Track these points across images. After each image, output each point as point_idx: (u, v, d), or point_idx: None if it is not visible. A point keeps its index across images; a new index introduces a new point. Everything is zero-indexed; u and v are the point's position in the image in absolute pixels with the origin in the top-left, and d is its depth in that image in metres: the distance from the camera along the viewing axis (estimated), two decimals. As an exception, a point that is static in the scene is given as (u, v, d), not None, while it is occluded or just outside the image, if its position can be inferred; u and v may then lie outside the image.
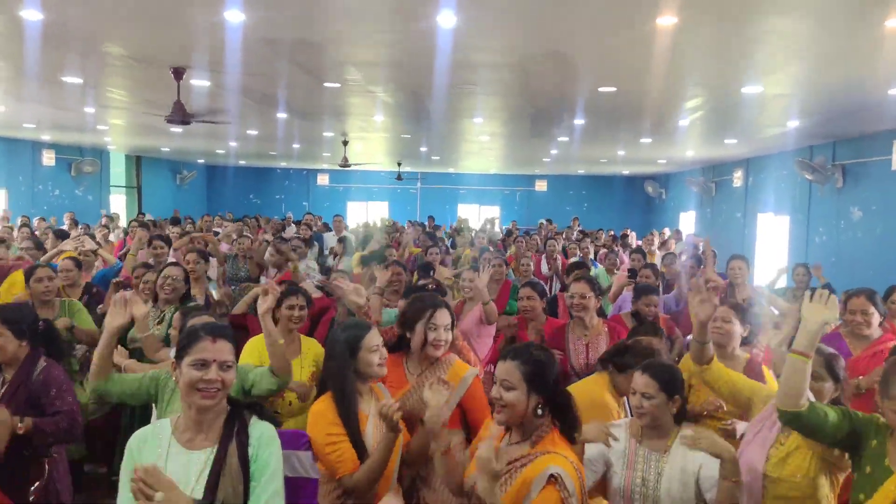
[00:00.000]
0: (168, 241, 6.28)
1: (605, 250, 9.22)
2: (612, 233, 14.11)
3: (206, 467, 1.84)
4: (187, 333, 1.99)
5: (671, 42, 5.04)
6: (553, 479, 1.91)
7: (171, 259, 5.66)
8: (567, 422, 2.06)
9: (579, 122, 9.32)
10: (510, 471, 1.98)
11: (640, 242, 11.85)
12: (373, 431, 2.41)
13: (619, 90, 6.89)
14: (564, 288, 7.84)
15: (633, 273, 6.12)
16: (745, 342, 3.32)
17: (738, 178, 14.36)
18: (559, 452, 1.97)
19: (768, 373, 3.12)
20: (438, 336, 2.75)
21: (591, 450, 2.45)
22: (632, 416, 2.58)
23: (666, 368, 2.50)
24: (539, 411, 2.03)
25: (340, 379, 2.43)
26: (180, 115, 6.54)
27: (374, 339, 2.48)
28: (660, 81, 6.52)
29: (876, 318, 3.72)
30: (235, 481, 1.84)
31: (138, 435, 1.95)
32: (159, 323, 4.00)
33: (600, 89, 6.88)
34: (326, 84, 7.09)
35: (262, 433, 1.91)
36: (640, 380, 2.45)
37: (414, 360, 2.84)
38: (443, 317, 2.77)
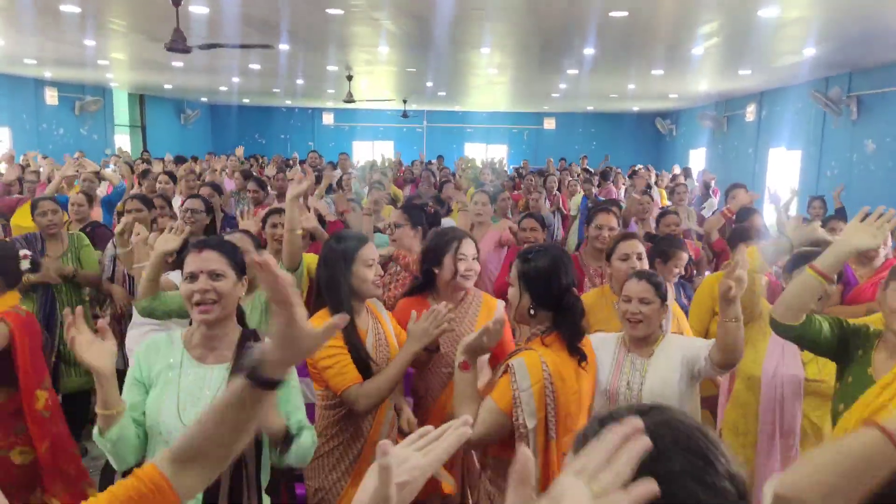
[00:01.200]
0: (174, 178, 6.27)
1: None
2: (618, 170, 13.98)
3: (223, 384, 1.83)
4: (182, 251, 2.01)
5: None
6: (508, 369, 1.97)
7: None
8: (566, 328, 2.07)
9: (589, 51, 9.08)
10: (501, 365, 2.07)
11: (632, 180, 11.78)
12: (372, 349, 2.37)
13: (630, 14, 6.68)
14: (566, 221, 7.91)
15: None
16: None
17: (750, 112, 14.08)
18: (535, 349, 2.01)
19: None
20: (469, 266, 2.67)
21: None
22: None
23: (655, 276, 2.53)
24: (531, 311, 2.08)
25: (336, 288, 2.33)
26: (180, 43, 6.39)
27: (370, 252, 2.38)
28: (674, 4, 6.30)
29: (882, 249, 3.70)
30: None
31: (148, 343, 1.94)
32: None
33: (611, 14, 6.67)
34: (329, 10, 6.91)
35: None
36: (636, 286, 2.46)
37: (440, 298, 2.68)
38: (469, 247, 2.69)
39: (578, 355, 2.07)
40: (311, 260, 3.69)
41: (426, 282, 2.74)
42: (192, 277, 1.86)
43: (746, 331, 2.42)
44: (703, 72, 11.32)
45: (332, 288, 2.35)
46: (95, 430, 1.75)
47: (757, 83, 12.45)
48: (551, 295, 2.08)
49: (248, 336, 1.94)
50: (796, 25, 7.28)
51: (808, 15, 6.81)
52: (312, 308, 2.39)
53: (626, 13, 6.64)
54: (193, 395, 1.83)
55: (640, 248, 3.04)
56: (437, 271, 2.68)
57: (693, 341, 2.48)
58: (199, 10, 6.80)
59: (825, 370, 2.52)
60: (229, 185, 8.27)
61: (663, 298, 2.46)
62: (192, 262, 1.88)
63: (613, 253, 3.06)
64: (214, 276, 1.85)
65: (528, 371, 1.96)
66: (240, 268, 1.94)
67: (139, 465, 1.36)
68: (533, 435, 1.97)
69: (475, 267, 2.69)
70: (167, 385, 1.84)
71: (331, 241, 2.44)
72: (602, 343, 2.53)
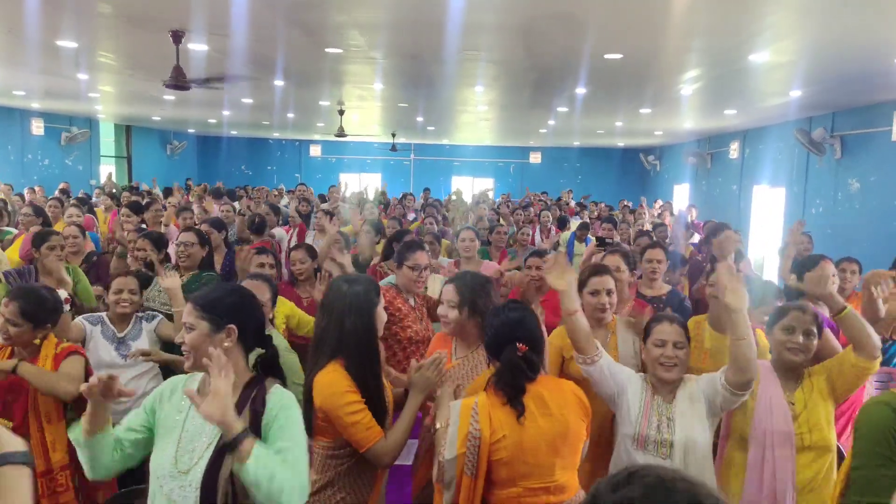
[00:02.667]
0: (138, 210, 6.24)
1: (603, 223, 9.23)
2: (604, 205, 14.15)
3: (218, 435, 1.79)
4: None
5: (682, 4, 4.98)
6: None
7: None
8: (501, 383, 2.23)
9: (581, 90, 9.24)
10: None
11: (616, 212, 11.96)
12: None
13: (625, 57, 6.82)
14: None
15: (601, 242, 6.17)
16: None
17: (734, 149, 14.35)
18: (480, 394, 2.22)
19: (760, 334, 3.16)
20: (440, 310, 2.72)
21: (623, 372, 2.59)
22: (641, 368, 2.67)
23: (681, 319, 2.58)
24: (488, 364, 2.35)
25: (363, 338, 2.24)
26: (180, 80, 6.40)
27: (380, 294, 2.42)
28: (667, 48, 6.45)
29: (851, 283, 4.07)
30: None
31: (173, 380, 1.97)
32: None
33: (606, 56, 6.81)
34: (328, 49, 6.97)
35: (279, 401, 1.84)
36: (669, 329, 2.48)
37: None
38: (447, 291, 2.71)
39: (514, 408, 2.12)
40: (286, 306, 3.66)
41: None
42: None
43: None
44: (690, 111, 11.54)
45: (357, 339, 2.24)
46: (74, 431, 1.81)
47: (741, 122, 12.72)
48: (497, 348, 2.22)
49: (256, 381, 1.90)
50: (784, 69, 7.48)
51: (797, 59, 7.00)
52: (311, 359, 2.30)
53: (620, 55, 6.78)
54: (193, 441, 1.81)
55: (612, 283, 3.04)
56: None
57: (707, 377, 2.48)
58: (198, 47, 6.82)
59: (812, 421, 2.51)
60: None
61: (688, 342, 2.49)
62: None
63: (584, 286, 3.05)
64: (186, 328, 1.89)
65: (459, 412, 2.10)
66: (218, 317, 1.87)
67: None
68: (451, 465, 2.07)
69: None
70: (171, 430, 1.85)
71: (342, 285, 2.31)
72: (629, 381, 2.53)
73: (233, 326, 1.87)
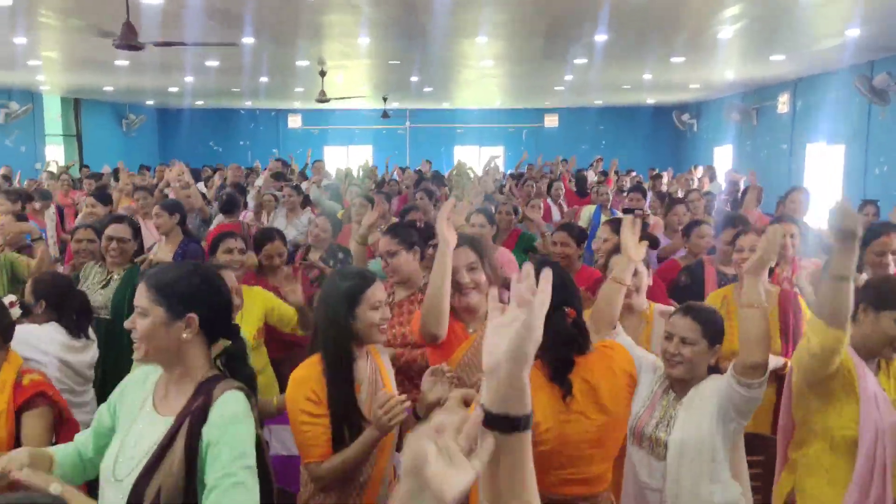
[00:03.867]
0: (106, 201, 6.21)
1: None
2: (634, 173, 14.11)
3: (160, 439, 1.78)
4: None
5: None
6: None
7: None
8: (550, 354, 2.13)
9: (601, 37, 9.19)
10: None
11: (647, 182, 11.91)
12: (365, 404, 2.36)
13: (650, -6, 6.78)
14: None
15: (630, 213, 6.19)
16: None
17: (783, 103, 14.28)
18: None
19: (803, 303, 3.19)
20: (460, 278, 2.62)
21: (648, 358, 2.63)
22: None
23: (709, 311, 2.56)
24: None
25: (334, 338, 2.33)
26: (131, 38, 6.38)
27: (378, 293, 2.39)
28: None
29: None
30: (176, 473, 1.73)
31: (137, 374, 1.98)
32: (104, 287, 3.94)
33: (629, -6, 6.77)
34: (303, -3, 6.95)
35: (222, 413, 1.78)
36: (680, 322, 2.50)
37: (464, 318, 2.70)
38: (462, 256, 2.62)
39: (560, 386, 2.13)
40: (263, 297, 3.66)
41: None
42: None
43: (821, 386, 2.44)
44: (730, 58, 11.48)
45: (330, 333, 2.34)
46: None
47: (790, 70, 12.64)
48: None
49: (206, 387, 1.85)
50: (839, 3, 7.41)
51: (852, -9, 6.95)
52: (310, 350, 2.41)
53: (645, -7, 6.75)
54: (136, 445, 1.80)
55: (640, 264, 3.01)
56: None
57: (723, 380, 2.47)
58: (152, 0, 6.80)
59: None
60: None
61: (713, 340, 2.47)
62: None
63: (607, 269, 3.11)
64: (138, 313, 1.85)
65: None
66: (176, 303, 1.85)
67: None
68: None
69: (470, 278, 2.63)
70: (119, 430, 1.87)
71: (335, 278, 2.45)
72: (645, 368, 2.56)
73: (193, 315, 1.84)
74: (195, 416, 1.77)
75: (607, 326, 2.58)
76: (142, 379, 1.95)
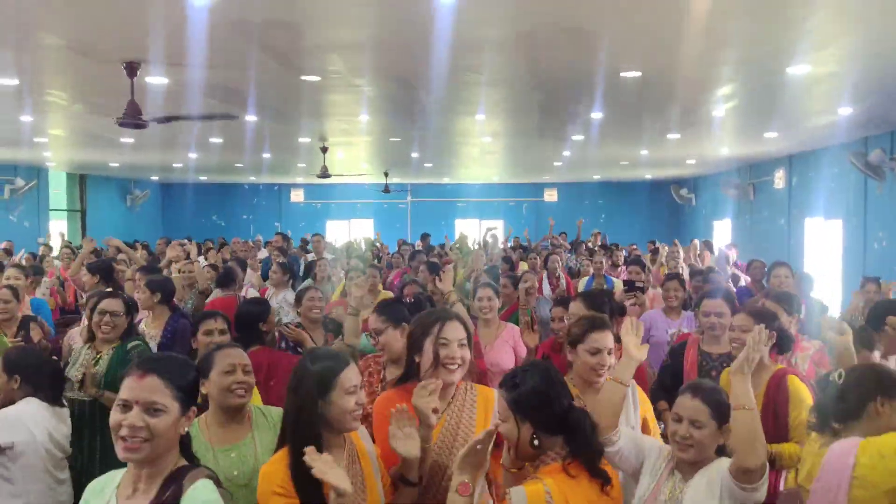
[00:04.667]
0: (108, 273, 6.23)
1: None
2: (634, 247, 14.11)
3: None
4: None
5: (706, 13, 5.05)
6: (505, 498, 2.03)
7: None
8: (584, 450, 2.11)
9: (597, 115, 9.33)
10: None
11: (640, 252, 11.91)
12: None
13: (644, 74, 6.89)
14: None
15: (630, 286, 6.22)
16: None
17: (779, 178, 14.41)
18: (543, 479, 2.04)
19: (795, 384, 3.15)
20: (451, 352, 2.56)
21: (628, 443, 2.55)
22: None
23: (716, 391, 2.48)
24: (535, 442, 2.13)
25: (305, 422, 2.16)
26: (135, 117, 6.48)
27: (352, 377, 2.22)
28: (692, 62, 6.53)
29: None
30: None
31: (92, 486, 1.92)
32: (95, 365, 3.82)
33: (622, 74, 6.88)
34: (304, 77, 7.07)
35: (194, 502, 1.76)
36: (688, 404, 2.42)
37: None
38: (454, 330, 2.59)
39: (601, 479, 2.10)
40: None
41: (409, 373, 2.67)
42: (125, 407, 1.78)
43: None
44: (724, 135, 11.63)
45: (300, 421, 2.18)
46: None
47: (785, 146, 12.79)
48: (555, 416, 2.14)
49: (174, 478, 1.81)
50: (829, 82, 7.54)
51: (842, 70, 7.06)
52: (279, 443, 2.27)
53: (638, 73, 6.86)
54: None
55: (611, 341, 2.95)
56: (418, 359, 2.62)
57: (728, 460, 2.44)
58: (156, 80, 6.93)
59: None
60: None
61: (721, 419, 2.40)
62: (128, 388, 1.81)
63: (580, 342, 2.95)
64: (152, 410, 1.77)
65: (527, 501, 1.99)
66: (188, 397, 1.84)
67: None
68: None
69: (459, 354, 2.56)
70: None
71: (306, 360, 2.29)
72: (650, 452, 2.54)
73: (195, 409, 1.87)
74: None
75: (608, 429, 2.48)
76: (99, 489, 1.90)
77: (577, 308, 4.02)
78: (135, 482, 1.83)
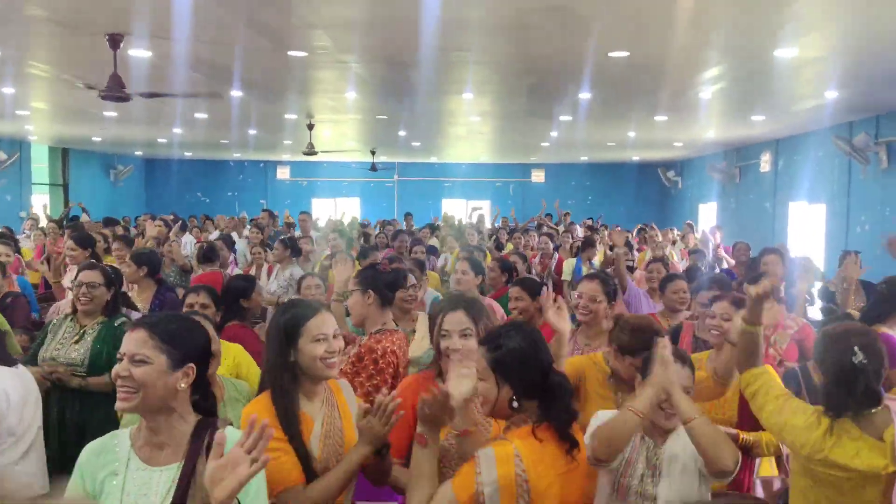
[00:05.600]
0: (87, 244, 6.09)
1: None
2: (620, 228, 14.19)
3: (172, 487, 1.82)
4: None
5: (695, -5, 5.07)
6: (474, 458, 2.01)
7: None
8: (558, 414, 2.08)
9: (585, 95, 9.34)
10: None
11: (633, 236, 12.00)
12: (319, 442, 2.28)
13: (632, 55, 6.90)
14: (559, 290, 7.93)
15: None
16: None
17: (765, 161, 14.49)
18: (510, 439, 2.03)
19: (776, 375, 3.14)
20: (452, 344, 2.54)
21: None
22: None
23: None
24: (514, 404, 2.09)
25: (275, 372, 2.28)
26: (118, 90, 6.43)
27: (320, 325, 2.28)
28: (680, 43, 6.54)
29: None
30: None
31: (91, 447, 1.94)
32: (77, 342, 3.72)
33: (611, 54, 6.89)
34: (291, 53, 7.03)
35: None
36: (681, 371, 2.51)
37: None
38: (457, 320, 2.56)
39: (569, 442, 2.08)
40: (235, 352, 3.51)
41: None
42: (119, 359, 1.88)
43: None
44: (712, 117, 11.67)
45: (271, 369, 2.30)
46: None
47: (771, 130, 12.86)
48: (537, 379, 2.10)
49: (206, 426, 1.92)
50: (816, 66, 7.58)
51: (830, 54, 7.11)
52: (258, 391, 2.40)
53: (626, 53, 6.87)
54: (139, 502, 1.82)
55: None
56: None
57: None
58: (140, 53, 6.87)
59: None
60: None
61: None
62: (124, 341, 1.90)
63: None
64: (136, 360, 1.84)
65: (496, 462, 1.97)
66: (177, 352, 1.88)
67: None
68: None
69: (461, 345, 2.53)
70: (110, 494, 1.84)
71: (276, 312, 2.40)
72: None
73: (193, 366, 1.90)
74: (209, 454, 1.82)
75: (610, 457, 2.38)
76: (99, 450, 1.92)
77: (517, 293, 4.14)
78: (152, 439, 1.89)
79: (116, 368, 1.84)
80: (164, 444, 1.89)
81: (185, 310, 3.69)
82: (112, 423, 3.04)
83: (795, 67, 7.49)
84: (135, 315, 4.11)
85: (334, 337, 2.31)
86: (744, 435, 3.01)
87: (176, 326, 1.93)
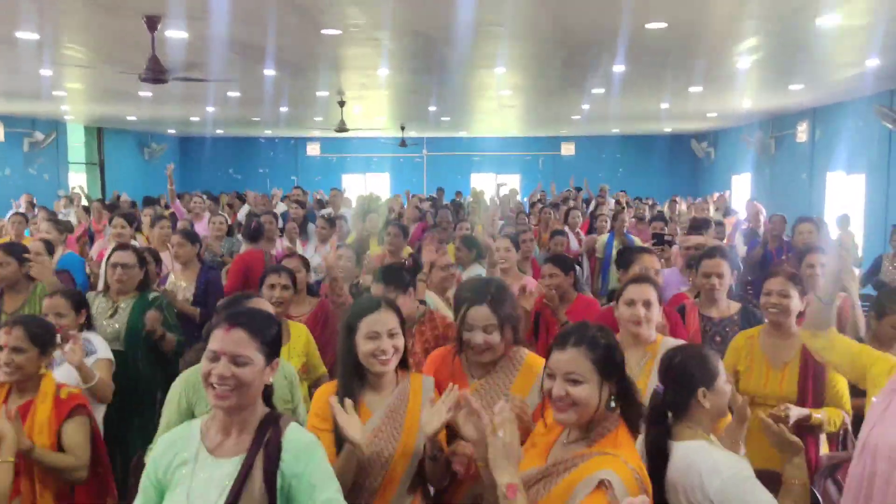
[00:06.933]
0: (131, 220, 6.21)
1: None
2: (652, 201, 14.07)
3: (232, 481, 1.84)
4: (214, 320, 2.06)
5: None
6: (602, 485, 1.83)
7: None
8: (633, 411, 2.01)
9: (619, 68, 9.21)
10: (556, 472, 1.95)
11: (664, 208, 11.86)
12: (370, 433, 2.29)
13: (670, 26, 6.79)
14: (593, 268, 7.87)
15: (658, 239, 6.17)
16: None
17: (802, 131, 14.22)
18: (618, 454, 1.90)
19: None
20: (475, 339, 2.51)
21: None
22: None
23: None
24: (612, 404, 1.98)
25: (340, 361, 2.43)
26: (157, 72, 6.49)
27: (373, 323, 2.32)
28: (720, 12, 6.42)
29: None
30: (258, 502, 1.83)
31: (166, 439, 1.99)
32: (111, 316, 3.90)
33: (648, 25, 6.78)
34: (324, 31, 7.03)
35: (297, 444, 1.89)
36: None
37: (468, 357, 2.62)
38: (481, 315, 2.51)
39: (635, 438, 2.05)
40: (306, 335, 3.65)
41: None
42: (214, 358, 1.87)
43: None
44: (748, 88, 11.47)
45: (339, 358, 2.44)
46: None
47: (809, 99, 12.60)
48: (624, 376, 2.02)
49: (270, 421, 1.94)
50: (858, 33, 7.39)
51: (874, 21, 6.91)
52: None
53: (664, 24, 6.76)
54: (203, 496, 1.84)
55: (653, 294, 2.94)
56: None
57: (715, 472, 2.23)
58: (177, 34, 6.91)
59: None
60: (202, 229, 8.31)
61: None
62: (217, 339, 1.89)
63: (621, 295, 3.01)
64: (238, 361, 1.86)
65: (626, 488, 1.81)
66: (271, 349, 1.95)
67: None
68: None
69: (482, 339, 2.50)
70: (180, 484, 1.87)
71: (352, 307, 2.53)
72: None
73: (278, 360, 1.97)
74: (270, 449, 1.87)
75: None
76: (176, 441, 1.95)
77: (550, 269, 4.12)
78: (223, 430, 1.92)
79: (218, 368, 1.84)
80: (234, 435, 1.92)
81: (265, 290, 3.70)
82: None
83: (836, 35, 7.31)
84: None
85: (391, 336, 2.34)
86: (815, 413, 2.95)
87: (266, 323, 1.97)
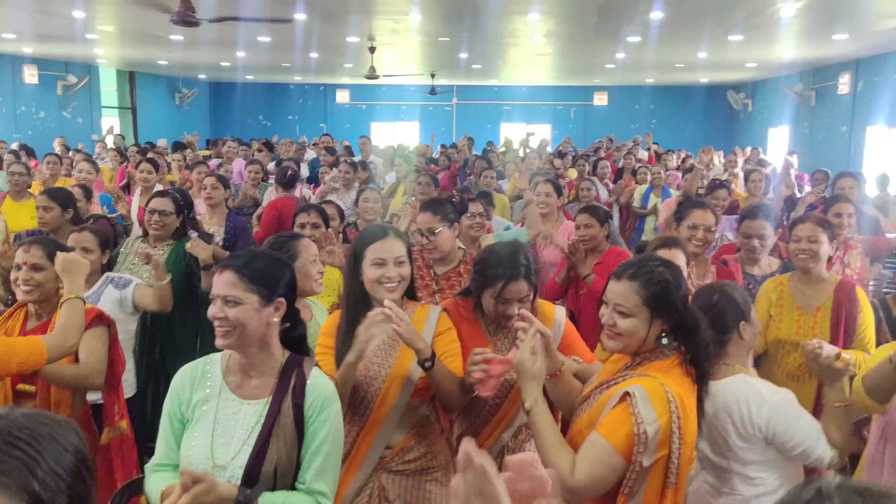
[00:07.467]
0: (157, 166, 6.24)
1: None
2: (686, 153, 13.82)
3: (258, 424, 1.88)
4: None
5: None
6: (626, 397, 1.87)
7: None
8: (695, 350, 1.98)
9: (657, 15, 8.99)
10: (599, 391, 2.01)
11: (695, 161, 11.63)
12: (383, 353, 2.36)
13: (711, -29, 6.60)
14: (625, 220, 7.82)
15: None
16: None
17: (844, 83, 13.82)
18: (657, 377, 1.90)
19: (862, 294, 3.13)
20: (511, 311, 2.49)
21: None
22: None
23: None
24: (664, 340, 1.98)
25: (346, 288, 2.46)
26: (189, 15, 6.46)
27: (380, 249, 2.33)
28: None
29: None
30: (290, 445, 1.87)
31: (185, 373, 2.01)
32: (148, 263, 3.83)
33: (688, -29, 6.59)
34: (356, -27, 6.94)
35: (318, 394, 1.92)
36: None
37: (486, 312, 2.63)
38: (518, 290, 2.48)
39: (702, 383, 2.01)
40: (339, 275, 3.63)
41: (470, 290, 2.64)
42: (213, 301, 1.92)
43: None
44: (790, 37, 11.15)
45: (345, 285, 2.49)
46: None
47: (853, 49, 12.21)
48: (683, 313, 1.99)
49: (294, 365, 1.96)
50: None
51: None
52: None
53: (705, -30, 6.57)
54: (227, 432, 1.89)
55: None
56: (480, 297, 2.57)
57: (759, 399, 2.29)
58: (208, -24, 6.86)
59: None
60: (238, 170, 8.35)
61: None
62: (214, 283, 1.94)
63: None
64: (228, 302, 1.88)
65: (651, 401, 1.85)
66: (269, 290, 1.93)
67: None
68: (643, 478, 1.88)
69: (518, 311, 2.40)
70: (202, 420, 1.92)
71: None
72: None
73: (283, 300, 1.96)
74: (296, 394, 1.91)
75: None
76: (196, 376, 1.98)
77: (585, 219, 4.11)
78: (243, 371, 1.96)
79: (212, 310, 1.89)
80: (255, 377, 1.95)
81: (297, 228, 3.76)
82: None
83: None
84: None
85: (398, 263, 2.34)
86: (844, 353, 2.92)
87: (262, 265, 1.96)
